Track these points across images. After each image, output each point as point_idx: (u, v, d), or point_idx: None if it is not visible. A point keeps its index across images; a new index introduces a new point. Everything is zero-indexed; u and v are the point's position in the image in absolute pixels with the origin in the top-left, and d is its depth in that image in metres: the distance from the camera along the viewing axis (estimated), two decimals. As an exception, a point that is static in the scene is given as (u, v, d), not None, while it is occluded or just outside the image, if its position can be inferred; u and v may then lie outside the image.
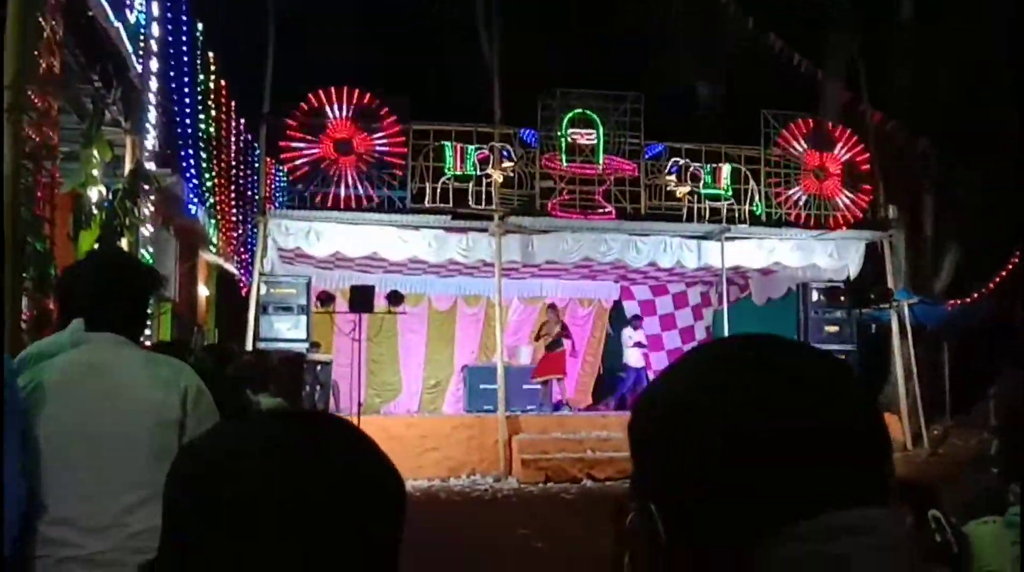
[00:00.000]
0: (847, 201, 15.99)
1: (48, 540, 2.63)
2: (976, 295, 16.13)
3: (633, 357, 17.99)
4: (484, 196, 14.86)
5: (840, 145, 16.16)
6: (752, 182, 15.85)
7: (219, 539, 0.88)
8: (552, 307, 17.57)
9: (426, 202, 14.65)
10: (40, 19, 6.49)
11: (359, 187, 14.37)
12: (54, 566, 2.61)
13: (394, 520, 0.96)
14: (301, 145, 14.28)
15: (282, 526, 0.88)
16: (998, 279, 15.93)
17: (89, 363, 2.81)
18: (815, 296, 15.88)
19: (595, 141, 15.41)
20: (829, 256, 16.20)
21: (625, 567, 0.93)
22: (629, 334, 18.20)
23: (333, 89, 14.47)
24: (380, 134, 14.55)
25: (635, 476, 0.92)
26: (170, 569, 0.92)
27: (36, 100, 6.39)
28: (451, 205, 14.73)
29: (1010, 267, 15.83)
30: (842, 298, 15.71)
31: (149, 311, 3.22)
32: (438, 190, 14.69)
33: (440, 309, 18.77)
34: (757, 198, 15.86)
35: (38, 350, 2.87)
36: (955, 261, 17.95)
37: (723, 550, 0.83)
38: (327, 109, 14.43)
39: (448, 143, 14.88)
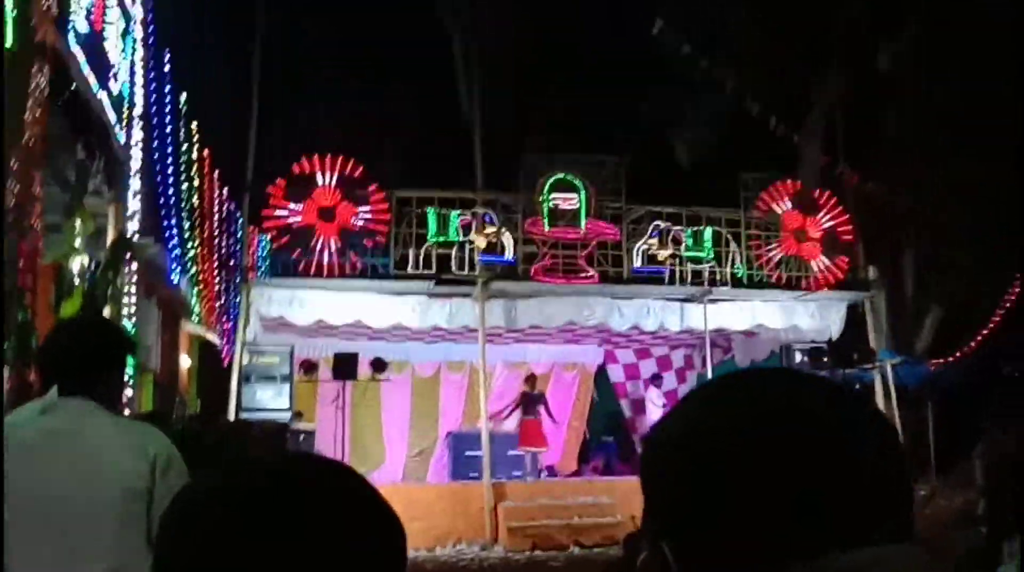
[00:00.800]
0: (825, 265, 16.12)
1: None
2: (959, 353, 16.19)
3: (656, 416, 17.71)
4: (467, 262, 14.90)
5: (823, 212, 16.32)
6: (733, 244, 15.96)
7: None
8: (532, 376, 17.46)
9: (409, 269, 14.67)
10: (27, 91, 6.54)
11: (342, 255, 14.39)
12: None
13: (398, 558, 0.96)
14: (284, 212, 14.30)
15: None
16: (980, 337, 16.00)
17: (56, 430, 2.76)
18: (798, 357, 15.90)
19: (578, 205, 15.51)
20: (811, 317, 16.28)
21: None
22: (656, 394, 18.03)
23: (327, 157, 14.53)
24: (365, 206, 14.58)
25: (646, 515, 0.91)
26: None
27: (18, 171, 6.42)
28: (434, 271, 14.76)
29: (991, 325, 15.92)
30: (825, 359, 15.73)
31: (127, 376, 3.18)
32: (421, 256, 14.73)
33: (424, 376, 18.69)
34: (738, 260, 15.96)
35: (12, 420, 2.84)
36: (936, 320, 18.04)
37: None
38: (316, 175, 14.49)
39: (431, 209, 14.95)
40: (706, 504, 0.84)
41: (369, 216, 14.59)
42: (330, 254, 14.33)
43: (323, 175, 14.51)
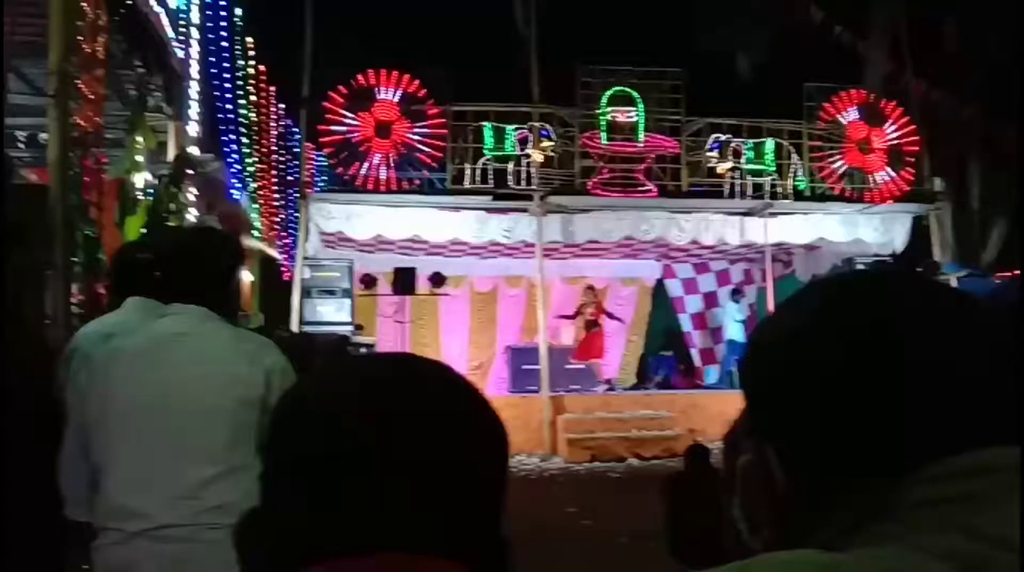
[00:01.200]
0: (890, 177, 15.80)
1: (120, 510, 2.61)
2: (1025, 267, 15.85)
3: (735, 331, 17.62)
4: (524, 176, 14.82)
5: (890, 122, 15.93)
6: (795, 156, 15.67)
7: (338, 480, 0.86)
8: (590, 288, 17.49)
9: (466, 183, 14.63)
10: (83, 5, 6.54)
11: (399, 170, 14.38)
12: (124, 541, 2.59)
13: (506, 462, 0.96)
14: (341, 128, 14.28)
15: (405, 467, 0.87)
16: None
17: (177, 332, 2.79)
18: (861, 271, 15.66)
19: (635, 119, 15.30)
20: (875, 231, 16.00)
21: (729, 512, 0.92)
22: (737, 309, 17.93)
23: (383, 71, 14.45)
24: (422, 123, 14.52)
25: (749, 418, 0.90)
26: (279, 517, 0.90)
27: (82, 87, 6.45)
28: (491, 186, 14.71)
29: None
30: (889, 273, 15.49)
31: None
32: (478, 171, 14.67)
33: (482, 291, 18.77)
34: (800, 173, 15.68)
35: (100, 328, 2.86)
36: (1002, 232, 17.66)
37: (844, 490, 0.80)
38: (376, 89, 14.42)
39: (487, 124, 14.84)
40: (811, 409, 0.82)
41: (427, 132, 14.53)
42: (386, 169, 14.33)
43: (383, 89, 14.44)
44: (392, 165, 14.33)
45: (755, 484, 0.88)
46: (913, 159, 16.03)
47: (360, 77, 14.40)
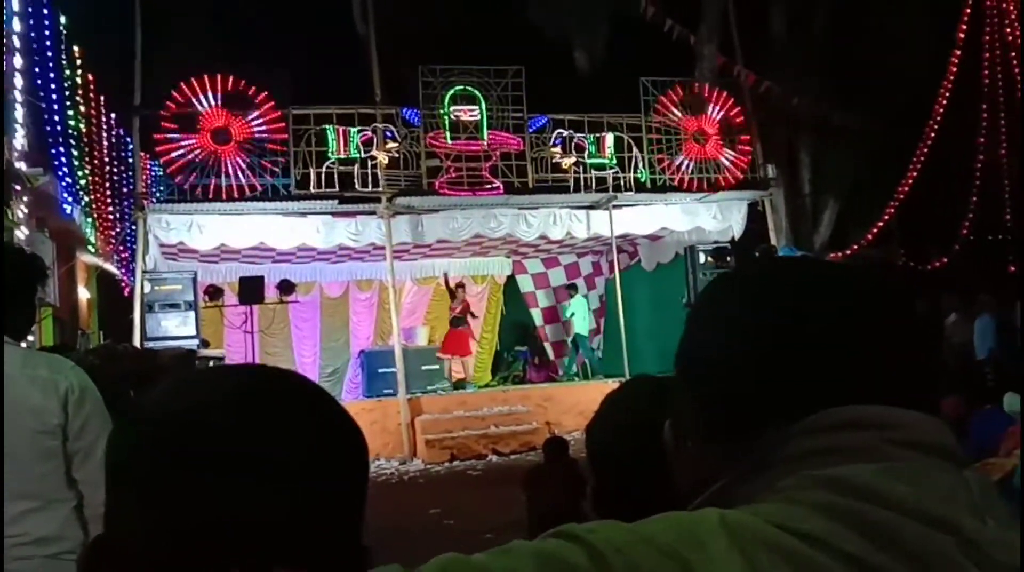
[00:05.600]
0: (729, 161, 16.32)
1: None
2: (855, 246, 16.64)
3: (580, 325, 18.02)
4: (370, 178, 14.71)
5: (713, 106, 16.46)
6: (636, 150, 16.03)
7: (193, 494, 0.84)
8: (460, 286, 17.58)
9: (311, 188, 14.41)
10: None
11: (240, 177, 14.06)
12: None
13: (366, 469, 0.95)
14: (176, 136, 13.89)
15: (261, 473, 0.85)
16: (875, 229, 16.45)
17: None
18: (702, 258, 16.17)
19: (478, 117, 15.37)
20: (713, 218, 16.51)
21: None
22: (577, 303, 18.18)
23: (206, 77, 14.08)
24: (256, 117, 14.23)
25: (676, 375, 0.97)
26: (130, 535, 0.87)
27: None
28: (337, 189, 14.54)
29: (886, 217, 16.37)
30: (728, 258, 16.05)
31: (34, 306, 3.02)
32: (323, 175, 14.47)
33: (332, 296, 18.58)
34: (641, 165, 16.05)
35: None
36: (833, 215, 18.48)
37: (740, 442, 0.87)
38: (198, 98, 14.05)
39: (330, 127, 14.65)
40: (723, 360, 0.91)
41: (264, 128, 14.25)
42: (229, 176, 13.98)
43: (211, 95, 14.08)
44: (236, 171, 13.99)
45: (673, 444, 0.97)
46: (746, 137, 16.58)
47: (182, 87, 13.99)
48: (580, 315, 17.98)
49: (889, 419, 0.84)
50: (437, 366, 16.55)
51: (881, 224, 16.32)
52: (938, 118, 15.59)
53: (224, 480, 0.84)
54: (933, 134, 15.70)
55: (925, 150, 15.71)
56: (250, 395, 0.91)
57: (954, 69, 15.43)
